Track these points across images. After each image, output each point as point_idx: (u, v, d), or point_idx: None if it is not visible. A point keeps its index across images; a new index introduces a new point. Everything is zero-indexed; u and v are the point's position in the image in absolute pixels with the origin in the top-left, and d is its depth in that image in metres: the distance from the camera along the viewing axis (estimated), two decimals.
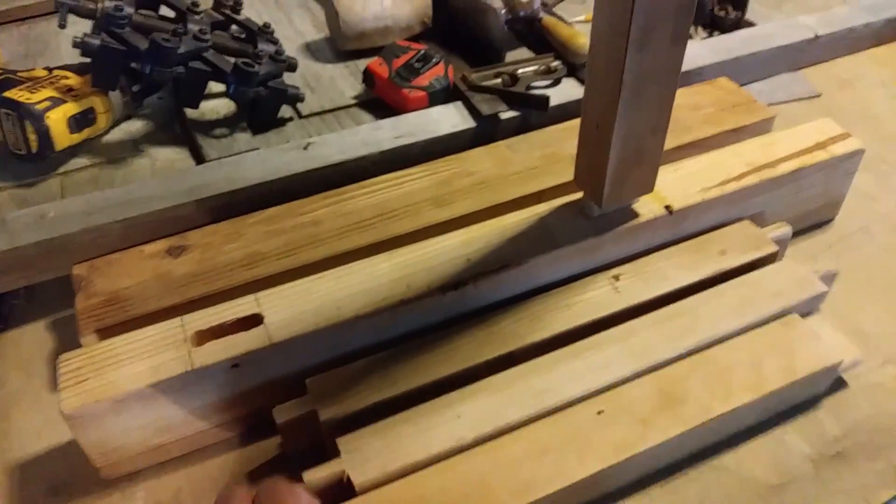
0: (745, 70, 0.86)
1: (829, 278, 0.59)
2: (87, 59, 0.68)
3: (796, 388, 0.52)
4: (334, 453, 0.47)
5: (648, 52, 0.46)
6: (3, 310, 0.64)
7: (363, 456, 0.46)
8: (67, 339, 0.62)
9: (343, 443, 0.47)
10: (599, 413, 0.49)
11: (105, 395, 0.48)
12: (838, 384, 0.56)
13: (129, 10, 0.67)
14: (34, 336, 0.63)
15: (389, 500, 0.44)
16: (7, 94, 0.66)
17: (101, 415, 0.48)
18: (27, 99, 0.66)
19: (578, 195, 0.59)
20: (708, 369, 0.52)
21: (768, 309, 0.55)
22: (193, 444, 0.54)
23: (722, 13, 0.90)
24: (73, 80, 0.70)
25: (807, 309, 0.58)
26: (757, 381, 0.51)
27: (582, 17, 0.93)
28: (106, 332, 0.55)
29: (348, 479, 0.45)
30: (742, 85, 0.83)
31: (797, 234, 0.69)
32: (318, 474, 0.46)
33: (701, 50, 0.84)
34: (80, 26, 0.72)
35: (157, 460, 0.53)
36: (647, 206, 0.58)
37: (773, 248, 0.59)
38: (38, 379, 0.60)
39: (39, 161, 0.70)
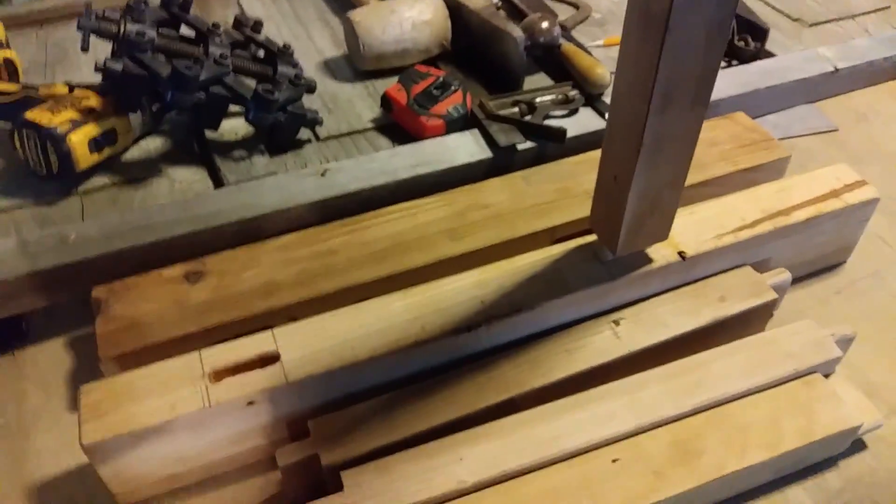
0: (762, 102, 0.86)
1: (845, 342, 0.57)
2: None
3: (813, 448, 0.52)
4: (335, 492, 0.48)
5: (669, 114, 0.47)
6: (22, 326, 0.65)
7: (364, 493, 0.47)
8: (86, 358, 0.63)
9: (347, 476, 0.48)
10: (614, 461, 0.49)
11: (124, 430, 0.49)
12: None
13: (151, 33, 0.67)
14: (53, 353, 0.64)
15: None
16: (28, 115, 0.66)
17: (120, 447, 0.49)
18: (49, 121, 0.66)
19: (591, 236, 0.60)
20: (726, 425, 0.51)
21: (780, 370, 0.54)
22: (208, 472, 0.55)
23: (741, 44, 0.89)
24: (94, 100, 0.70)
25: (823, 372, 0.56)
26: (774, 441, 0.51)
27: (601, 42, 0.93)
28: (125, 359, 0.56)
29: None
30: (758, 116, 0.83)
31: (807, 277, 0.70)
32: None
33: (719, 82, 0.83)
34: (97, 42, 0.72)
35: (173, 487, 0.55)
36: (660, 252, 0.59)
37: (772, 296, 0.60)
38: (57, 398, 0.61)
39: (60, 181, 0.70)
